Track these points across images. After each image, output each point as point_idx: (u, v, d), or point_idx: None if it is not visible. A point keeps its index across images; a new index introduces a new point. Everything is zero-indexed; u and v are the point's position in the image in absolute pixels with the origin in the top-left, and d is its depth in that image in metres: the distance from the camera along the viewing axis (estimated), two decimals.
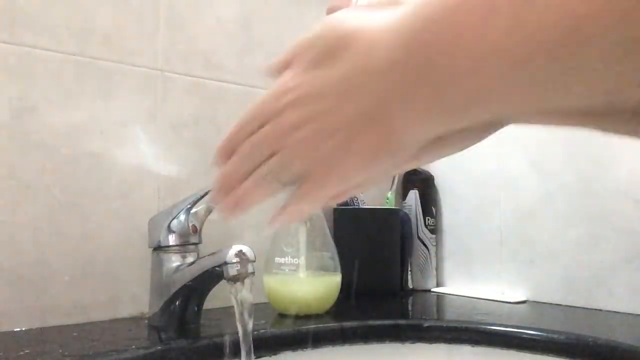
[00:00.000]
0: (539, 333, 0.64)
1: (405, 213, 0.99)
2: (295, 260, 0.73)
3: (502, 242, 0.92)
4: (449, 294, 0.95)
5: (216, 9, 0.83)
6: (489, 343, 0.67)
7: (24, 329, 0.64)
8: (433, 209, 1.01)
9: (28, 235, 0.65)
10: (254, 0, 0.87)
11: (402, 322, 0.72)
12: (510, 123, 0.25)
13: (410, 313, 0.85)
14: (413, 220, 0.99)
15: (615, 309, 0.77)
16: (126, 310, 0.72)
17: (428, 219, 1.00)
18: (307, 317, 0.72)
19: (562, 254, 0.83)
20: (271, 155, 0.28)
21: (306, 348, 0.66)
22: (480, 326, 0.69)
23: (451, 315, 0.82)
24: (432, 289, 0.99)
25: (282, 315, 0.73)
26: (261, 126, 0.28)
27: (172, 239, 0.66)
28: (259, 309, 0.72)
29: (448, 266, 1.01)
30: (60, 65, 0.68)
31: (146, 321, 0.69)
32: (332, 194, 0.29)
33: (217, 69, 0.82)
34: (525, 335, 0.65)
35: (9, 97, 0.65)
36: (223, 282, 0.59)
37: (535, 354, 0.64)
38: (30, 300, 0.65)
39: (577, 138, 0.82)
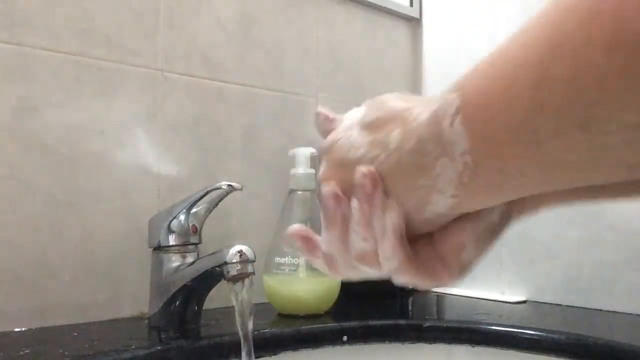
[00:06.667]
0: (539, 333, 0.64)
1: None
2: (295, 260, 0.73)
3: (502, 242, 0.92)
4: (449, 294, 0.95)
5: (216, 9, 0.83)
6: (489, 343, 0.67)
7: (24, 329, 0.64)
8: None
9: (28, 235, 0.65)
10: (253, 0, 0.87)
11: (402, 322, 0.72)
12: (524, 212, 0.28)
13: (410, 313, 0.85)
14: None
15: (615, 309, 0.77)
16: (126, 310, 0.72)
17: None
18: (307, 317, 0.72)
19: (562, 254, 0.83)
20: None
21: (306, 348, 0.66)
22: (480, 326, 0.69)
23: (451, 315, 0.82)
24: (432, 289, 0.99)
25: (282, 315, 0.73)
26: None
27: (172, 239, 0.66)
28: (259, 309, 0.72)
29: None
30: (60, 65, 0.68)
31: (146, 321, 0.69)
32: None
33: (217, 69, 0.82)
34: (525, 335, 0.65)
35: (9, 97, 0.65)
36: (223, 282, 0.59)
37: (535, 354, 0.64)
38: (30, 300, 0.65)
39: None
